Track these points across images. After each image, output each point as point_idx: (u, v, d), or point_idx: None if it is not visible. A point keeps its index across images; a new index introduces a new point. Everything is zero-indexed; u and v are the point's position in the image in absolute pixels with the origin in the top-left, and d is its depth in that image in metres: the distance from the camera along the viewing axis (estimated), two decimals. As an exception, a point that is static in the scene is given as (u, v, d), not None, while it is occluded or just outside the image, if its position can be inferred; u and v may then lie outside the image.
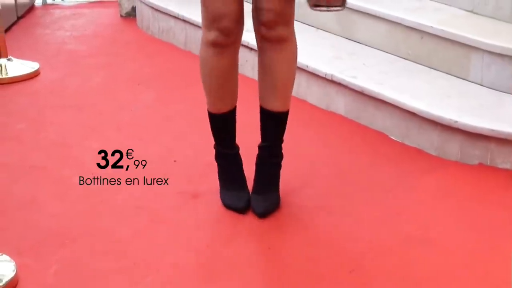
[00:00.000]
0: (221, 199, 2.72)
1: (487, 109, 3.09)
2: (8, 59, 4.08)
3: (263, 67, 2.61)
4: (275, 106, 2.62)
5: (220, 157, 2.74)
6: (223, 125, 2.69)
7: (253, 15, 2.56)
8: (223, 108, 2.65)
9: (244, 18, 2.53)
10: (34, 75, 4.05)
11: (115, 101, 3.71)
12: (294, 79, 2.64)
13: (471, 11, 3.56)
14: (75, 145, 3.23)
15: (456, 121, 2.99)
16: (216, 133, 2.71)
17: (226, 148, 2.72)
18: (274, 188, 2.71)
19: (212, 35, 2.49)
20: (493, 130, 2.92)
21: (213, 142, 2.74)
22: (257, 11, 2.53)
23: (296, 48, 2.61)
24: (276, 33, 2.52)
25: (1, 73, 4.00)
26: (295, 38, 2.59)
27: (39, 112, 3.59)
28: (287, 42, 2.56)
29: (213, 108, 2.65)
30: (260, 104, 2.66)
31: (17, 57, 4.16)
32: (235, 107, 2.67)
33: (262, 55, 2.60)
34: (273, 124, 2.66)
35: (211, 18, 2.48)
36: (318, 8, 2.37)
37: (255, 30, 2.58)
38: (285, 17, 2.51)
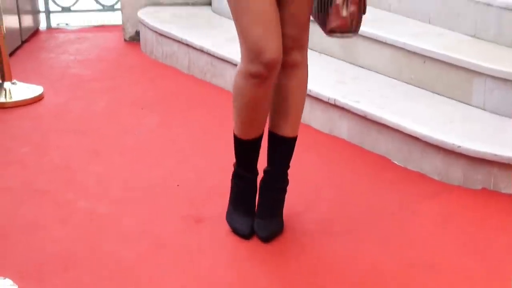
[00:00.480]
0: (227, 219, 2.72)
1: (490, 133, 3.10)
2: (13, 83, 4.09)
3: (277, 92, 2.60)
4: (286, 131, 2.62)
5: (238, 177, 2.72)
6: (249, 151, 2.67)
7: None
8: (252, 135, 2.61)
9: None
10: (38, 99, 4.07)
11: (118, 125, 3.72)
12: (303, 105, 2.65)
13: (473, 36, 3.58)
14: (79, 169, 3.24)
15: (459, 146, 2.99)
16: (240, 156, 2.69)
17: (247, 171, 2.70)
18: (278, 212, 2.71)
19: (255, 68, 2.42)
20: (496, 155, 2.93)
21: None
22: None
23: (308, 73, 2.62)
24: (290, 59, 2.52)
25: (5, 97, 4.02)
26: (307, 63, 2.61)
27: (43, 136, 3.60)
28: (301, 67, 2.57)
29: (242, 134, 2.61)
30: (269, 129, 2.66)
31: (22, 80, 4.18)
32: (263, 132, 2.65)
33: (282, 78, 2.59)
34: (282, 149, 2.66)
35: (256, 51, 2.39)
36: (334, 35, 2.41)
37: None
38: (301, 42, 2.52)
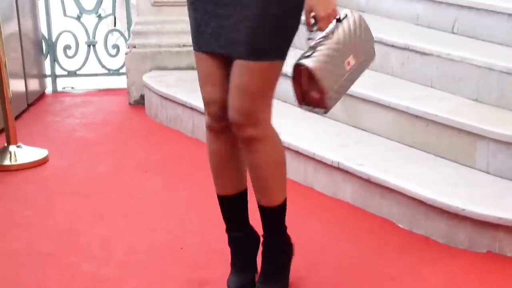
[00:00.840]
0: (227, 283, 2.71)
1: (494, 197, 3.09)
2: (18, 146, 4.12)
3: (247, 163, 2.60)
4: (262, 201, 2.60)
5: (229, 239, 2.73)
6: (228, 208, 2.69)
7: None
8: (224, 190, 2.66)
9: None
10: (42, 162, 4.09)
11: (122, 188, 3.72)
12: (279, 175, 2.58)
13: (476, 100, 3.60)
14: (83, 232, 3.23)
15: (464, 209, 2.99)
16: (222, 212, 2.72)
17: (233, 230, 2.71)
18: (280, 277, 2.68)
19: (206, 119, 2.59)
20: (500, 218, 2.92)
21: (222, 228, 2.73)
22: (228, 110, 2.52)
23: (275, 146, 2.55)
24: (245, 134, 2.48)
25: (10, 160, 4.04)
26: (272, 137, 2.53)
27: (47, 199, 3.61)
28: (260, 142, 2.49)
29: (217, 189, 2.68)
30: None
31: (27, 144, 4.20)
32: (244, 190, 2.67)
33: (243, 151, 2.58)
34: (268, 218, 2.64)
35: (204, 102, 2.58)
36: (305, 107, 2.42)
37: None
38: (253, 117, 2.46)
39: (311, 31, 2.39)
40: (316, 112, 2.41)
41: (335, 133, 3.86)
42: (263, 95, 2.47)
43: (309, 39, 2.40)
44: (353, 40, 2.40)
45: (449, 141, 3.44)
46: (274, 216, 2.63)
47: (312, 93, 2.36)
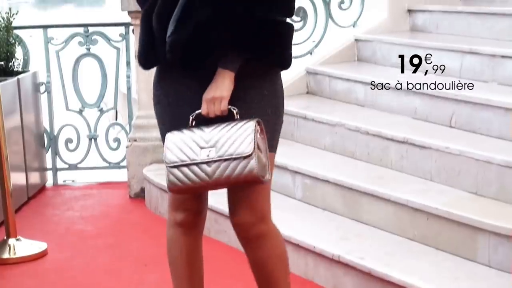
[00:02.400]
0: None
1: (496, 291, 3.07)
2: (17, 239, 4.10)
3: (250, 264, 2.60)
4: None
5: None
6: None
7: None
8: None
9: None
10: (41, 255, 4.06)
11: (121, 282, 3.69)
12: (283, 268, 2.58)
13: (475, 193, 3.61)
14: (80, 327, 3.19)
15: (466, 304, 2.95)
16: None
17: None
18: None
19: (180, 215, 2.58)
20: (503, 313, 2.89)
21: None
22: (228, 206, 2.56)
23: (278, 239, 2.57)
24: (253, 232, 2.51)
25: (9, 253, 4.02)
26: (274, 231, 2.56)
27: (45, 293, 3.57)
28: (266, 237, 2.52)
29: None
30: None
31: (26, 237, 4.18)
32: None
33: (245, 252, 2.59)
34: None
35: (177, 201, 2.57)
36: None
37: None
38: (259, 213, 2.50)
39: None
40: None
41: (335, 226, 3.85)
42: (266, 190, 2.50)
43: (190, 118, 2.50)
44: (223, 139, 2.41)
45: (450, 235, 3.43)
46: None
47: None
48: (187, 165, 2.40)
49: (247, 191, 2.46)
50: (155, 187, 4.78)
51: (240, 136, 2.38)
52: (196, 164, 2.39)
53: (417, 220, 3.57)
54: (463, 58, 4.39)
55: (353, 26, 5.23)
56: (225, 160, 2.37)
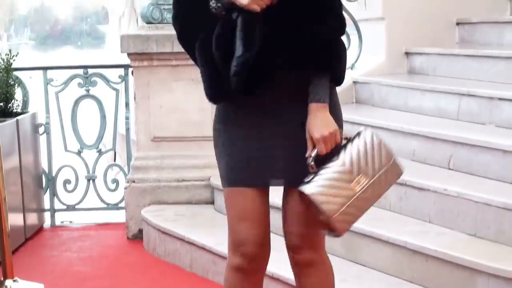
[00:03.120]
0: None
1: (496, 334, 3.04)
2: (14, 281, 4.07)
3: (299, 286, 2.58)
4: None
5: None
6: None
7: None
8: None
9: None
10: (38, 296, 4.04)
11: (118, 324, 3.66)
12: None
13: (474, 235, 3.60)
14: None
15: None
16: None
17: None
18: None
19: (237, 260, 2.49)
20: None
21: None
22: (284, 234, 2.56)
23: (329, 271, 2.59)
24: (302, 257, 2.52)
25: (5, 295, 4.00)
26: (326, 261, 2.58)
27: (41, 335, 3.54)
28: (316, 266, 2.54)
29: None
30: None
31: (23, 278, 4.15)
32: None
33: (296, 279, 2.59)
34: None
35: (238, 242, 2.48)
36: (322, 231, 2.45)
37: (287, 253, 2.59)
38: (311, 241, 2.52)
39: (310, 155, 2.43)
40: (333, 236, 2.43)
41: (334, 268, 3.82)
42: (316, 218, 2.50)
43: (309, 164, 2.43)
44: (363, 160, 2.41)
45: (449, 277, 3.41)
46: None
47: (321, 217, 2.38)
48: (350, 206, 2.37)
49: (303, 217, 2.47)
50: (153, 229, 4.76)
51: (372, 150, 2.42)
52: (357, 198, 2.38)
53: (416, 262, 3.56)
54: (460, 100, 4.42)
55: (351, 69, 5.26)
56: (378, 177, 2.40)
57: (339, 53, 2.46)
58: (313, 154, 2.43)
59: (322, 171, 2.39)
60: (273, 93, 2.43)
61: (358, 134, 2.47)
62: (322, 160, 2.43)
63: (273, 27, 2.35)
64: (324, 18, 2.39)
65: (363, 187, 2.40)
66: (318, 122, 2.41)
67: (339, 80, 2.51)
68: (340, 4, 2.47)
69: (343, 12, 2.53)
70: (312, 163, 2.42)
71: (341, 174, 2.39)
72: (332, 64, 2.43)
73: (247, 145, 2.49)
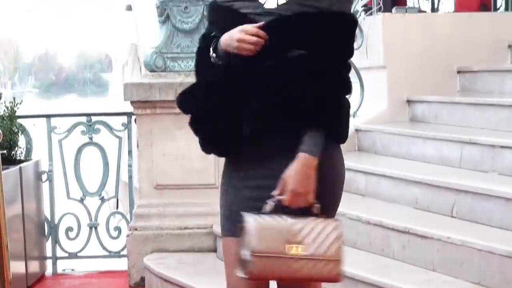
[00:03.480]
0: None
1: None
2: (14, 330, 4.05)
3: None
4: None
5: None
6: None
7: None
8: None
9: None
10: None
11: None
12: None
13: (478, 283, 3.58)
14: None
15: None
16: None
17: None
18: None
19: None
20: None
21: None
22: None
23: None
24: None
25: None
26: None
27: None
28: None
29: None
30: None
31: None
32: None
33: None
34: None
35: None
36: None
37: None
38: None
39: (272, 195, 2.40)
40: (243, 274, 2.41)
41: (337, 317, 3.80)
42: (319, 285, 2.59)
43: (267, 202, 2.40)
44: (313, 236, 2.37)
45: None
46: None
47: (241, 251, 2.39)
48: (273, 257, 2.33)
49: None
50: (156, 276, 4.74)
51: (328, 238, 2.38)
52: (284, 258, 2.33)
53: (420, 310, 3.54)
54: (462, 148, 4.43)
55: (353, 117, 5.28)
56: (313, 259, 2.35)
57: (336, 110, 2.46)
58: (276, 198, 2.39)
59: (275, 215, 2.37)
60: (266, 147, 2.46)
61: (327, 217, 2.45)
62: (283, 209, 2.40)
63: (272, 82, 2.40)
64: (323, 76, 2.41)
65: (298, 256, 2.34)
66: (298, 174, 2.38)
67: (338, 136, 2.52)
68: (343, 65, 2.49)
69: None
70: (272, 204, 2.39)
71: (286, 229, 2.35)
72: (324, 120, 2.42)
73: (237, 195, 2.52)
